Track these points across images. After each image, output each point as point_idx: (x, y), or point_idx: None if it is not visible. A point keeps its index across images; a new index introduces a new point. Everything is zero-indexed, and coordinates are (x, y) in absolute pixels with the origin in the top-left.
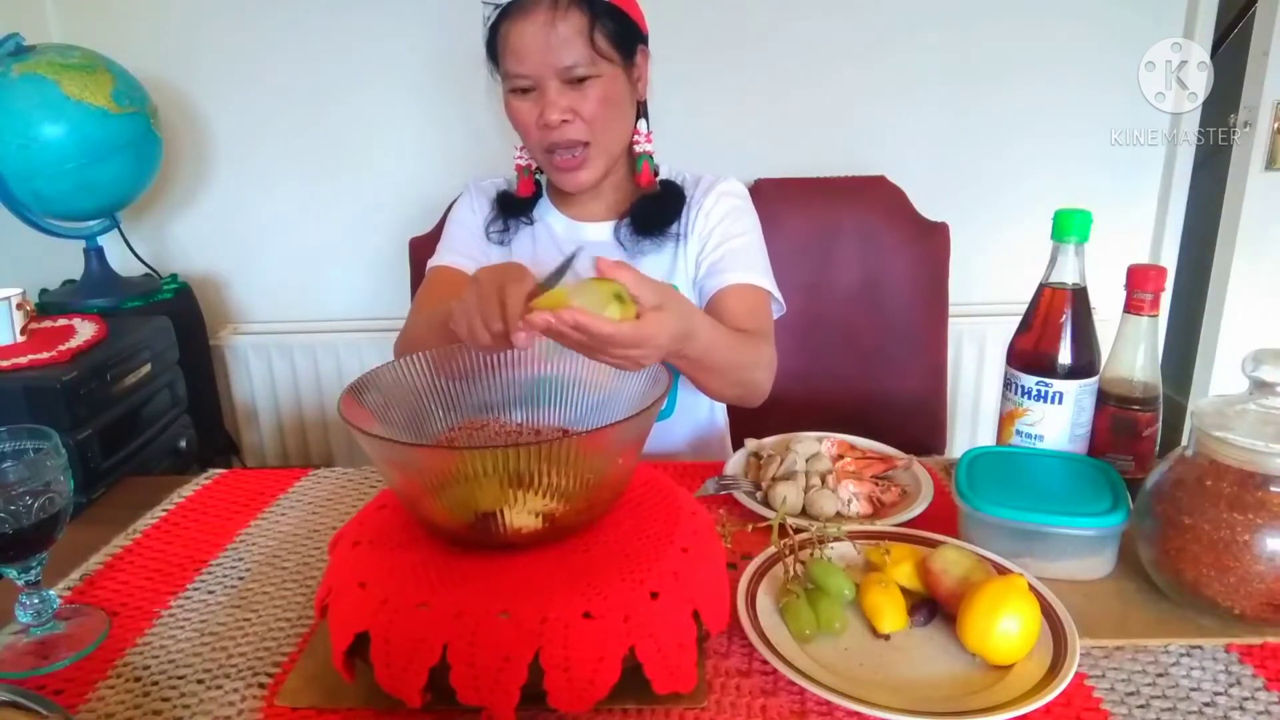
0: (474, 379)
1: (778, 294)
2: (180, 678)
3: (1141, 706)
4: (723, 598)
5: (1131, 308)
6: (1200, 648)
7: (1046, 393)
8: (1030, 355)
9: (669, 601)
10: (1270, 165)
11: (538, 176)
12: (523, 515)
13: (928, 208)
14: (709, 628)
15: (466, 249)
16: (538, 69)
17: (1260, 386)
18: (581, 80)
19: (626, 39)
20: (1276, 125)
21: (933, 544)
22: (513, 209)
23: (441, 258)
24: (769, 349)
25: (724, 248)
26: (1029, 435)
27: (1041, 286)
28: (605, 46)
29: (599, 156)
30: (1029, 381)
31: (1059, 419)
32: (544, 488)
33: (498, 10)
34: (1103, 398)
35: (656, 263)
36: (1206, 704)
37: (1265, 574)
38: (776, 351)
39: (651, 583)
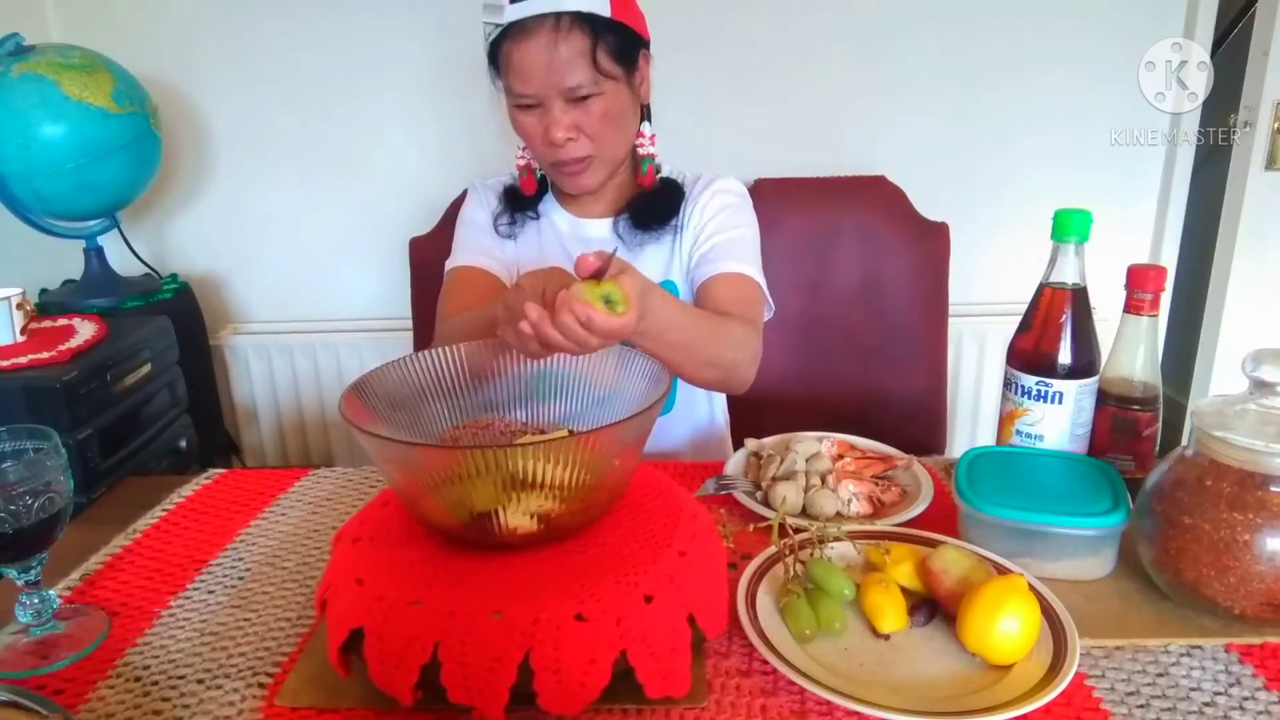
0: (475, 378)
1: (767, 295)
2: (180, 678)
3: (1141, 706)
4: (721, 602)
5: (1131, 308)
6: (1200, 648)
7: (1046, 393)
8: (1030, 355)
9: (663, 605)
10: (1270, 165)
11: (539, 174)
12: (518, 516)
13: (928, 208)
14: (705, 632)
15: (482, 246)
16: (541, 90)
17: (1260, 386)
18: (585, 98)
19: (628, 51)
20: (1276, 125)
21: (933, 544)
22: (520, 204)
23: (458, 259)
24: (745, 330)
25: (715, 239)
26: (1029, 435)
27: (1041, 286)
28: (608, 64)
29: (602, 165)
30: (1029, 381)
31: (1059, 419)
32: (539, 488)
33: (499, 29)
34: (1103, 398)
35: (656, 257)
36: (1206, 704)
37: (1265, 574)
38: (775, 351)
39: (646, 586)
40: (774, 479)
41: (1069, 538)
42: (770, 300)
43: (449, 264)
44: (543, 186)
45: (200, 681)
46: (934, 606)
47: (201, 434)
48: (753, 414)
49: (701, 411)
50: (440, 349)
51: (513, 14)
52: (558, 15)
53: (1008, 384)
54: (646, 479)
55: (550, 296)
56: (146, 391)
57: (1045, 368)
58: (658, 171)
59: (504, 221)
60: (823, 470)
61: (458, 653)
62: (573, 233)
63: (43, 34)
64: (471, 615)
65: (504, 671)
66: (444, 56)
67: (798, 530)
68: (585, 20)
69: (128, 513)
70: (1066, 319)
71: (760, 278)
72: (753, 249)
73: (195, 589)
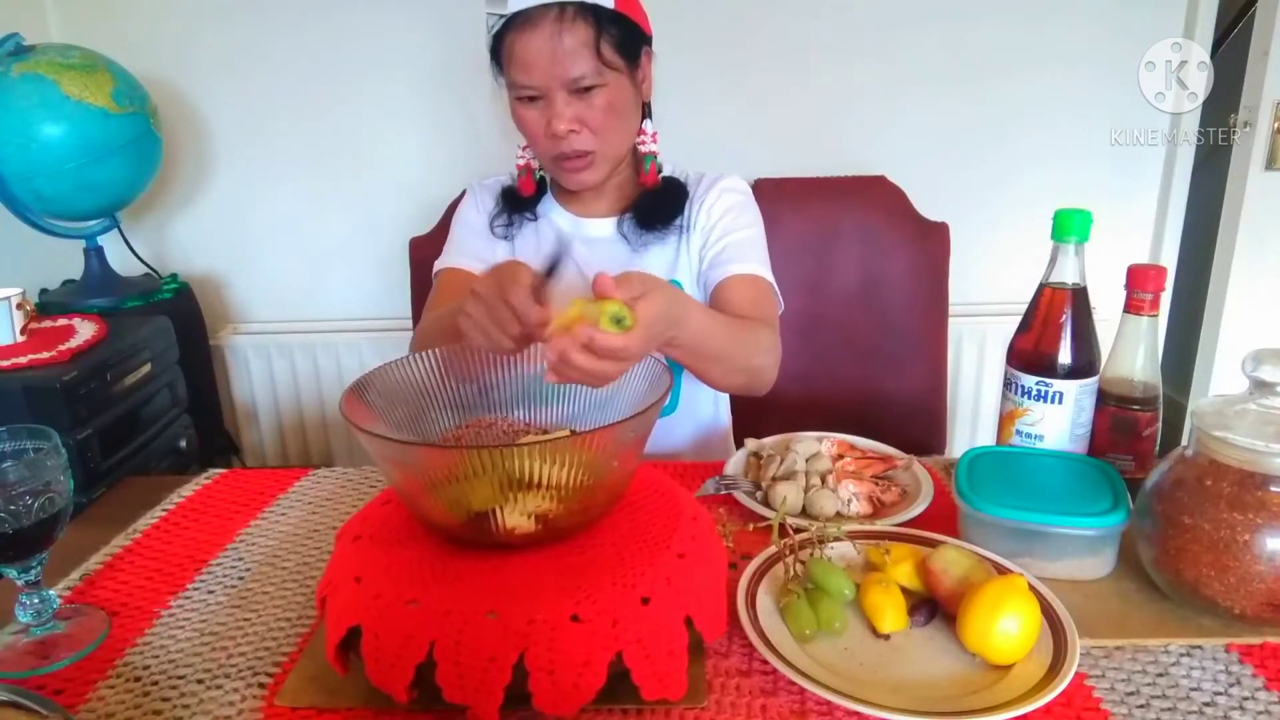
0: (476, 377)
1: (778, 292)
2: (180, 678)
3: (1141, 706)
4: (720, 605)
5: (1131, 308)
6: (1200, 648)
7: (1046, 393)
8: (1030, 355)
9: (660, 607)
10: (1270, 165)
11: (539, 174)
12: (515, 516)
13: (927, 208)
14: (704, 635)
15: (473, 249)
16: (544, 80)
17: (1260, 386)
18: (588, 89)
19: (631, 45)
20: (1276, 125)
21: (933, 544)
22: (517, 205)
23: (448, 260)
24: (770, 335)
25: (726, 240)
26: (1029, 435)
27: (1041, 286)
28: (611, 56)
29: (604, 160)
30: (1029, 381)
31: (1059, 419)
32: (538, 489)
33: (503, 20)
34: (1103, 398)
35: (661, 256)
36: (1206, 704)
37: (1265, 574)
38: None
39: (643, 588)
40: (774, 479)
41: (1069, 538)
42: (780, 298)
43: (438, 264)
44: (541, 187)
45: (200, 681)
46: (934, 606)
47: (201, 434)
48: (753, 414)
49: (705, 412)
50: (439, 350)
51: (517, 3)
52: (562, 5)
53: (1008, 384)
54: (647, 479)
55: (511, 297)
56: (146, 391)
57: (1045, 368)
58: (660, 170)
59: (500, 222)
60: (823, 470)
61: (453, 652)
62: (574, 232)
63: (43, 34)
64: (467, 615)
65: (498, 672)
66: (444, 56)
67: (798, 530)
68: (589, 11)
69: (128, 513)
70: (1066, 319)
71: (770, 276)
72: (762, 248)
73: (195, 589)
